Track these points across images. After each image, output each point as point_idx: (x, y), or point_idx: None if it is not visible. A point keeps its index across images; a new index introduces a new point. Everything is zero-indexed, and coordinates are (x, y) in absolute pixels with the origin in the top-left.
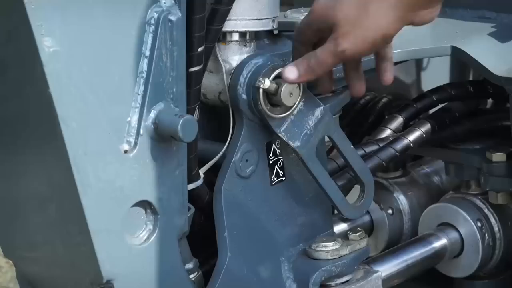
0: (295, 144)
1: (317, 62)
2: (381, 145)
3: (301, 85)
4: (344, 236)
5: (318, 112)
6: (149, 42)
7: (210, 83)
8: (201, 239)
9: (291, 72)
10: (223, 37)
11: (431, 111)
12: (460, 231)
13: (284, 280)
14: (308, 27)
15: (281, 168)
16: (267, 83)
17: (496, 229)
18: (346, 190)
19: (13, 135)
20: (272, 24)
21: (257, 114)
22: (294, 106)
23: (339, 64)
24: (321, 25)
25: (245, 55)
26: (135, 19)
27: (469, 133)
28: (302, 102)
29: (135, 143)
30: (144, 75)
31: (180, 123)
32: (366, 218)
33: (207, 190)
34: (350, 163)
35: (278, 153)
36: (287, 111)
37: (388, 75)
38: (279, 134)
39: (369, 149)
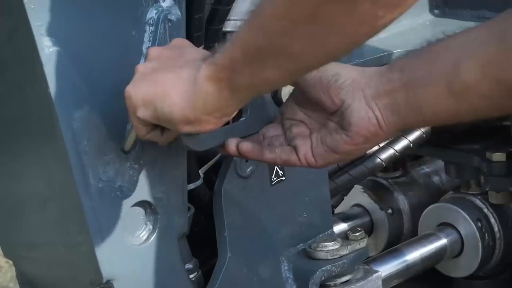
0: None
1: None
2: (381, 145)
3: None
4: (344, 236)
5: None
6: (149, 42)
7: None
8: (201, 239)
9: None
10: (223, 37)
11: None
12: (460, 231)
13: (284, 280)
14: None
15: (281, 168)
16: None
17: (496, 229)
18: (346, 190)
19: (13, 135)
20: None
21: None
22: None
23: None
24: None
25: None
26: (135, 19)
27: (469, 133)
28: None
29: (135, 143)
30: None
31: None
32: (366, 218)
33: (207, 190)
34: None
35: None
36: None
37: None
38: None
39: None
